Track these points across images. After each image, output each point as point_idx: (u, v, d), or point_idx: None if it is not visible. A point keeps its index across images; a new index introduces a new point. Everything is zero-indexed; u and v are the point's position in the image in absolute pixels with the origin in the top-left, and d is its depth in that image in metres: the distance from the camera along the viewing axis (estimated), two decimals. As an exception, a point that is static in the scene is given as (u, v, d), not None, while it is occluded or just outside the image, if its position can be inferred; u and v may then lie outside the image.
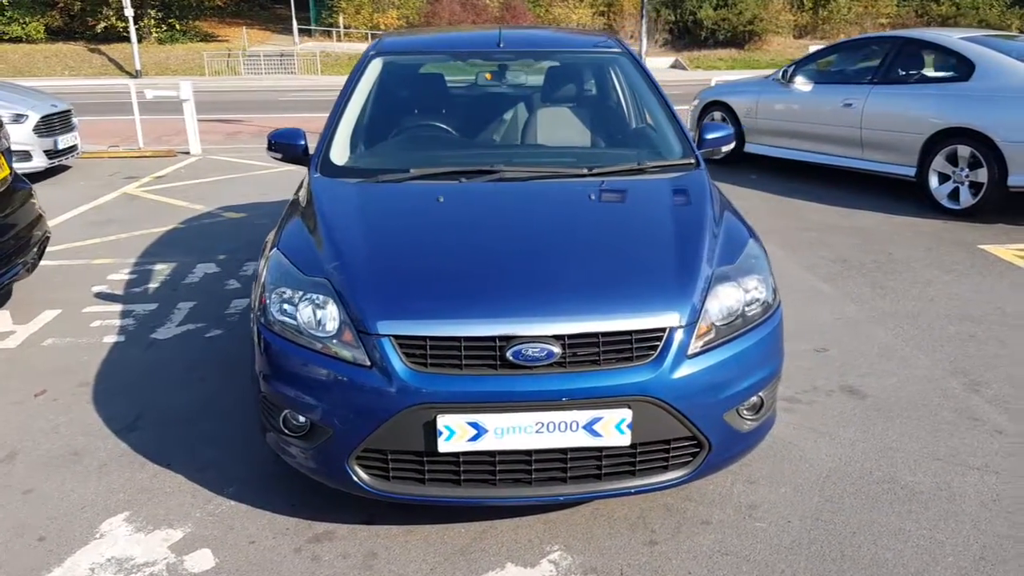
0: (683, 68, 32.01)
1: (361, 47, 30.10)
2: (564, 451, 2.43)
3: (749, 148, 8.87)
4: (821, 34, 34.10)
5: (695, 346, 2.45)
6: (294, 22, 34.91)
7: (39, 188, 8.45)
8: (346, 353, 2.42)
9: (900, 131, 7.05)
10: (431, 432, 2.36)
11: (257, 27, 37.13)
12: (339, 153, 3.44)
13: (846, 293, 5.04)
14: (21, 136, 8.24)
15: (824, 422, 3.43)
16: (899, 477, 3.02)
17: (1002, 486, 2.96)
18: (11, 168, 4.80)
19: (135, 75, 29.18)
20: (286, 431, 2.58)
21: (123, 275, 5.59)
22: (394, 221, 2.89)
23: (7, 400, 3.74)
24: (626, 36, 35.42)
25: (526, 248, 2.71)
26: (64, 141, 8.85)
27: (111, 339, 4.43)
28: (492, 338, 2.35)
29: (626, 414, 2.37)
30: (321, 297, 2.53)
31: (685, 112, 11.26)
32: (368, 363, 2.38)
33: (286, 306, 2.57)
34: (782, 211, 7.21)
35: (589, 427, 2.38)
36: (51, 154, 8.62)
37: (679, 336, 2.43)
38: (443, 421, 2.35)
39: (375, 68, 3.90)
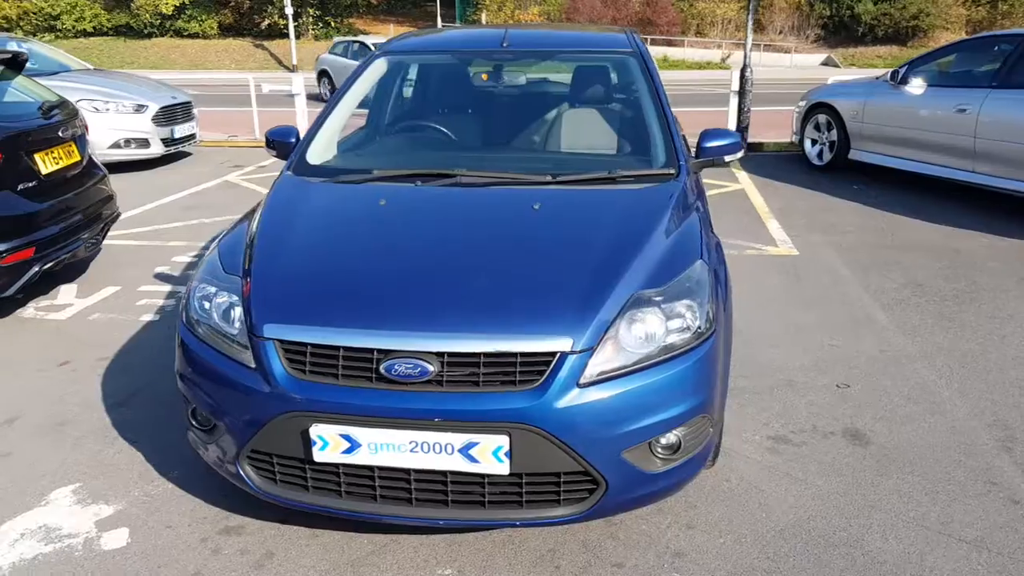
0: (835, 65, 30.15)
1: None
2: (444, 474, 2.33)
3: (854, 155, 8.20)
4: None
5: (591, 374, 2.27)
6: (438, 19, 35.84)
7: (157, 173, 9.19)
8: (241, 354, 2.43)
9: (1018, 141, 6.28)
10: (307, 440, 2.33)
11: (407, 24, 38.40)
12: (318, 152, 3.47)
13: (902, 323, 4.55)
14: (141, 125, 8.93)
15: (806, 468, 3.11)
16: (866, 542, 2.68)
17: (992, 568, 2.55)
18: (82, 154, 5.18)
19: (292, 69, 30.99)
20: (194, 423, 2.63)
21: (187, 258, 5.93)
22: (322, 224, 2.88)
23: (34, 367, 4.06)
24: (775, 32, 33.81)
25: (437, 259, 2.61)
26: (181, 130, 9.51)
27: (147, 318, 4.71)
28: (370, 350, 2.29)
29: (503, 441, 2.24)
30: (234, 297, 2.56)
31: (787, 115, 10.60)
32: (253, 365, 2.38)
33: (205, 303, 2.61)
34: (873, 227, 6.62)
35: (465, 451, 2.26)
36: (168, 142, 9.28)
37: (570, 362, 2.26)
38: (316, 431, 2.31)
39: (377, 68, 3.90)
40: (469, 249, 2.67)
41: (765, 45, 32.97)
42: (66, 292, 5.17)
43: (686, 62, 33.66)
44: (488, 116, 3.79)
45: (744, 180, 8.56)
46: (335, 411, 2.28)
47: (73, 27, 36.05)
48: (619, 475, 2.34)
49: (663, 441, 2.42)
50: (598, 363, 2.29)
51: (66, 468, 3.13)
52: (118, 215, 5.67)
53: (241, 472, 2.48)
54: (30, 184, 4.55)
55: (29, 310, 4.85)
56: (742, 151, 3.57)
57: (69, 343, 4.35)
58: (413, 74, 4.14)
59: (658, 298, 2.45)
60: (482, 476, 2.32)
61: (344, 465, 2.36)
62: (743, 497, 2.92)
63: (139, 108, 8.94)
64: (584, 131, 3.55)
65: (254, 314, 2.43)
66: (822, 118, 8.58)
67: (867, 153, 8.04)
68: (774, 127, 11.53)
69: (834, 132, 8.42)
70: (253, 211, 3.14)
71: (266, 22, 35.36)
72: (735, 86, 10.11)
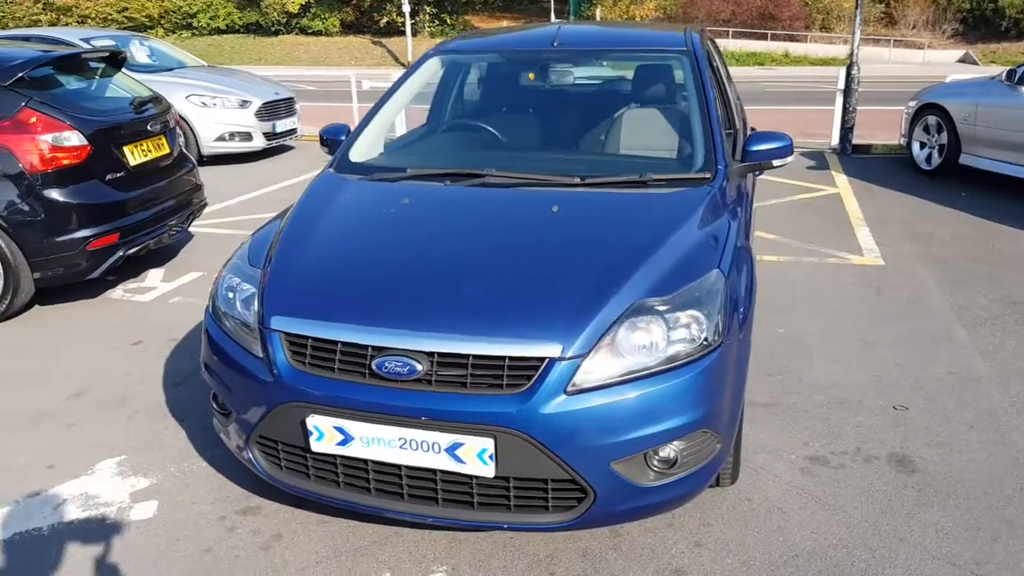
0: (974, 63, 28.16)
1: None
2: (434, 472, 2.35)
3: (965, 160, 7.66)
4: None
5: (581, 382, 2.24)
6: (552, 14, 35.81)
7: (258, 165, 9.64)
8: (253, 344, 2.53)
9: None
10: (304, 430, 2.40)
11: (522, 20, 38.59)
12: (362, 150, 3.55)
13: (983, 344, 4.22)
14: (244, 119, 9.39)
15: (838, 493, 2.94)
16: (885, 576, 2.52)
17: (1014, 610, 2.36)
18: (172, 147, 5.51)
19: (406, 66, 31.72)
20: (216, 408, 2.76)
21: (269, 247, 6.19)
22: (344, 221, 2.95)
23: (110, 345, 4.36)
24: (907, 27, 31.91)
25: (440, 259, 2.63)
26: (283, 125, 9.92)
27: (220, 303, 4.96)
28: (364, 346, 2.33)
29: (488, 444, 2.24)
30: (255, 288, 2.66)
31: (893, 116, 9.97)
32: (261, 355, 2.47)
33: (229, 294, 2.73)
34: (974, 238, 6.16)
35: (451, 451, 2.28)
36: (269, 136, 9.71)
37: (559, 369, 2.23)
38: (312, 421, 2.38)
39: (429, 68, 3.95)
40: (474, 250, 2.68)
41: (896, 41, 31.22)
42: (153, 276, 5.51)
43: (808, 58, 32.33)
44: (530, 116, 3.77)
45: (842, 184, 8.16)
46: (329, 403, 2.34)
47: (208, 24, 38.25)
48: (608, 486, 2.29)
49: (660, 454, 2.35)
50: (589, 371, 2.25)
51: (117, 441, 3.34)
52: (204, 205, 5.99)
53: (251, 456, 2.59)
54: (118, 175, 4.88)
55: (117, 291, 5.20)
56: (792, 156, 3.40)
57: (145, 324, 4.64)
58: (463, 74, 4.17)
59: (662, 307, 2.38)
60: (470, 477, 2.32)
61: (340, 456, 2.42)
62: (762, 519, 2.80)
63: (243, 103, 9.40)
64: (623, 132, 3.48)
65: (264, 306, 2.52)
66: (932, 120, 8.06)
67: (979, 158, 7.49)
68: (890, 127, 10.91)
69: (944, 135, 7.89)
70: (290, 207, 3.26)
71: (384, 20, 36.38)
72: (841, 84, 9.63)
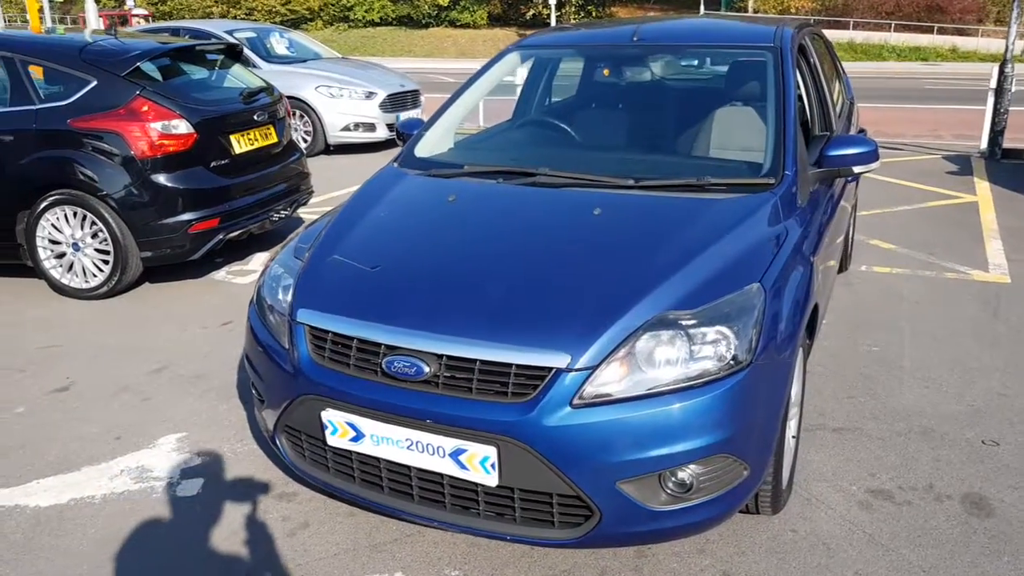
0: None
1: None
2: (441, 476, 2.32)
3: None
4: None
5: (589, 395, 2.14)
6: (702, 7, 34.79)
7: (382, 155, 9.92)
8: (283, 336, 2.58)
9: None
10: (321, 424, 2.42)
11: (670, 12, 37.76)
12: (429, 145, 3.55)
13: (1112, 378, 3.74)
14: (369, 111, 9.68)
15: (896, 532, 2.68)
16: (934, 629, 2.27)
17: None
18: (280, 137, 5.75)
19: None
20: (254, 392, 2.85)
21: (367, 236, 6.36)
22: (386, 216, 2.94)
23: (202, 324, 4.60)
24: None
25: (466, 260, 2.58)
26: (407, 116, 10.16)
27: (309, 289, 5.13)
28: (378, 344, 2.33)
29: (491, 452, 2.18)
30: (292, 280, 2.72)
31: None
32: (287, 346, 2.52)
33: (273, 284, 2.80)
34: None
35: (455, 456, 2.24)
36: (392, 127, 9.97)
37: (566, 380, 2.14)
38: (327, 416, 2.40)
39: (508, 63, 3.90)
40: (502, 252, 2.61)
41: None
42: (258, 259, 5.78)
43: (978, 53, 29.90)
44: (599, 113, 3.65)
45: (983, 191, 7.46)
46: (343, 399, 2.35)
47: (363, 17, 39.88)
48: (614, 506, 2.18)
49: (675, 477, 2.21)
50: (599, 384, 2.15)
51: (183, 417, 3.52)
52: (311, 192, 6.21)
53: (279, 444, 2.65)
54: (222, 162, 5.14)
55: (221, 273, 5.49)
56: (877, 162, 3.12)
57: (239, 305, 4.87)
58: (543, 69, 4.08)
59: (688, 320, 2.23)
60: (475, 484, 2.27)
61: (355, 452, 2.43)
62: (804, 553, 2.59)
63: (369, 95, 9.70)
64: (690, 132, 3.30)
65: (295, 298, 2.57)
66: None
67: None
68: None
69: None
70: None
71: (531, 12, 36.70)
72: (993, 82, 8.80)
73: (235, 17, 37.98)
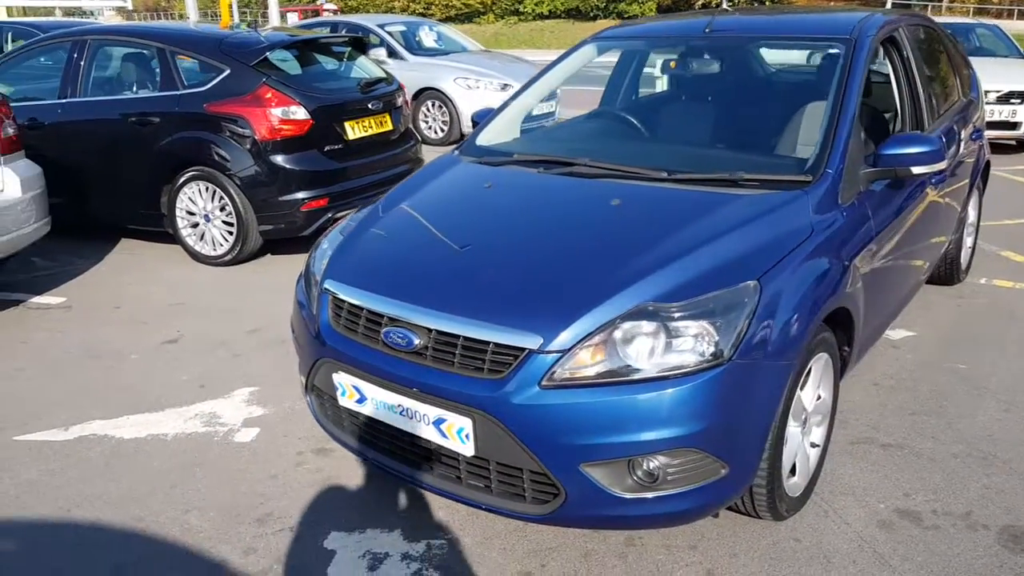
0: None
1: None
2: (427, 442, 2.47)
3: None
4: None
5: (558, 377, 2.21)
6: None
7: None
8: (314, 302, 2.83)
9: None
10: (333, 385, 2.64)
11: (855, 2, 35.47)
12: (493, 134, 3.68)
13: None
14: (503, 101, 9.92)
15: (910, 557, 2.53)
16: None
17: None
18: (395, 125, 6.10)
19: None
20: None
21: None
22: (427, 198, 3.10)
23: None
24: None
25: (476, 243, 2.68)
26: (539, 109, 10.33)
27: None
28: (381, 315, 2.51)
29: (466, 423, 2.31)
30: (330, 253, 2.96)
31: None
32: (315, 313, 2.76)
33: (317, 255, 3.05)
34: None
35: (437, 425, 2.38)
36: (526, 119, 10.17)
37: (536, 361, 2.22)
38: (338, 378, 2.61)
39: (583, 54, 3.95)
40: (511, 238, 2.70)
41: None
42: (370, 238, 6.17)
43: None
44: (660, 105, 3.63)
45: None
46: (351, 364, 2.56)
47: (533, 10, 40.52)
48: (578, 487, 2.24)
49: (643, 466, 2.24)
50: (570, 367, 2.21)
51: (260, 373, 3.89)
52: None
53: (309, 401, 2.90)
54: (336, 147, 5.53)
55: (334, 249, 5.91)
56: (941, 163, 2.92)
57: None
58: (622, 62, 4.10)
59: (669, 312, 2.24)
60: (455, 453, 2.40)
61: (361, 414, 2.62)
62: (800, 564, 2.51)
63: (504, 86, 9.95)
64: (744, 125, 3.23)
65: (326, 269, 2.80)
66: None
67: None
68: None
69: None
70: (409, 184, 3.51)
71: (699, 3, 35.89)
72: None
73: (414, 12, 39.78)
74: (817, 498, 2.83)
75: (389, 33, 10.67)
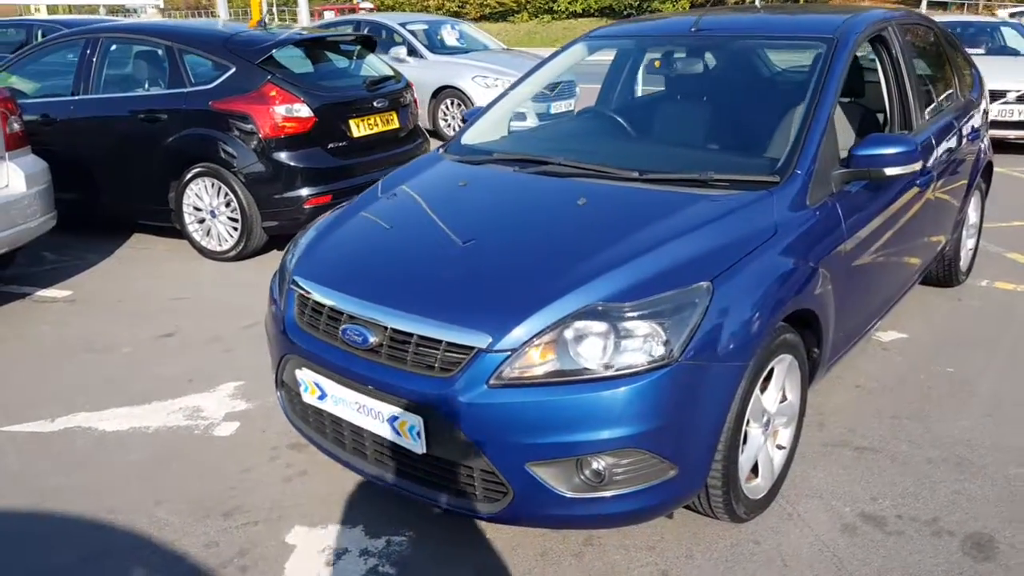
0: None
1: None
2: (384, 439, 2.49)
3: None
4: None
5: (506, 376, 2.22)
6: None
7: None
8: (283, 298, 2.87)
9: None
10: (296, 381, 2.69)
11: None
12: (478, 133, 3.69)
13: None
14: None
15: (869, 562, 2.51)
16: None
17: None
18: (402, 123, 6.14)
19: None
20: (272, 351, 3.16)
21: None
22: (401, 196, 3.13)
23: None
24: None
25: (439, 243, 2.70)
26: (556, 107, 10.23)
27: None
28: (341, 312, 2.54)
29: (417, 421, 2.33)
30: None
31: None
32: (283, 308, 2.81)
33: (292, 250, 3.09)
34: None
35: (391, 422, 2.41)
36: (543, 117, 10.14)
37: (484, 360, 2.24)
38: (300, 375, 2.66)
39: (573, 53, 3.95)
40: (473, 237, 2.71)
41: None
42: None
43: None
44: (642, 105, 3.62)
45: None
46: (312, 360, 2.60)
47: (566, 8, 40.43)
48: (524, 486, 2.26)
49: (589, 466, 2.25)
50: (518, 367, 2.23)
51: (249, 369, 3.95)
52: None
53: (279, 396, 2.95)
54: (340, 144, 5.59)
55: (338, 245, 5.98)
56: (915, 164, 2.88)
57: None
58: (621, 61, 4.09)
59: (619, 312, 2.25)
60: (409, 450, 2.43)
61: (324, 410, 2.66)
62: (755, 567, 2.50)
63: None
64: (722, 125, 3.21)
65: (295, 265, 2.85)
66: None
67: None
68: None
69: None
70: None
71: (733, 0, 35.56)
72: None
73: (449, 10, 39.93)
74: (783, 500, 2.81)
75: (410, 32, 10.73)
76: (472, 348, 2.26)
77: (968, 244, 4.84)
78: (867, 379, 3.69)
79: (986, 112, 4.77)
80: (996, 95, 8.17)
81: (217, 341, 4.29)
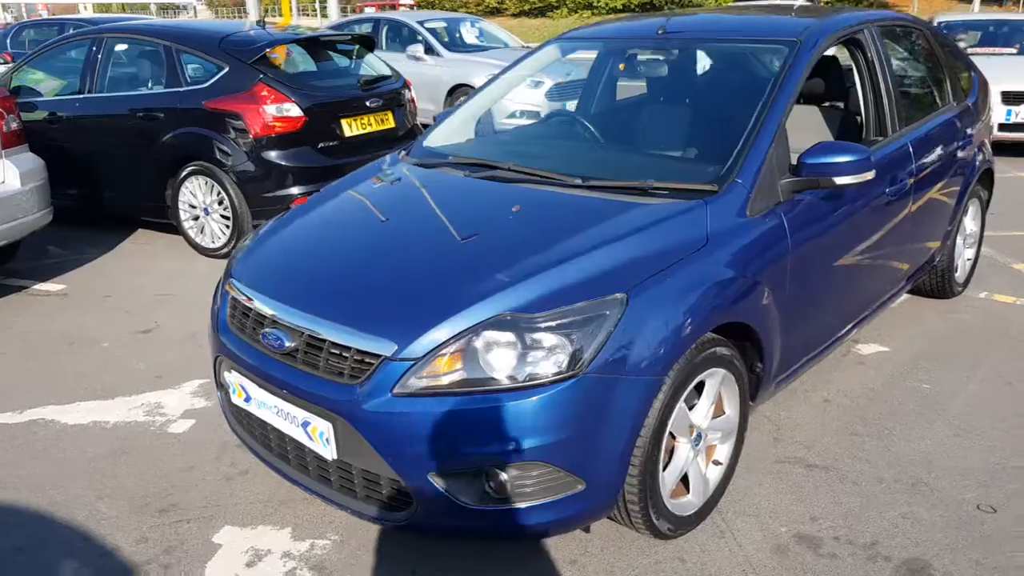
0: None
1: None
2: (302, 444, 2.49)
3: None
4: None
5: (411, 386, 2.19)
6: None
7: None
8: (218, 300, 2.89)
9: None
10: (227, 383, 2.70)
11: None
12: (441, 135, 3.67)
13: None
14: (534, 99, 9.83)
15: (797, 582, 2.43)
16: None
17: None
18: (398, 123, 6.15)
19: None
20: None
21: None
22: (343, 200, 3.12)
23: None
24: None
25: (365, 248, 2.70)
26: (573, 105, 10.26)
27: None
28: (263, 316, 2.54)
29: (327, 427, 2.32)
30: None
31: None
32: (218, 309, 2.82)
33: (237, 252, 3.11)
34: None
35: (304, 427, 2.40)
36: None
37: (389, 368, 2.22)
38: (228, 376, 2.67)
39: (545, 55, 3.90)
40: (400, 244, 2.69)
41: None
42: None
43: None
44: (601, 109, 3.55)
45: None
46: (238, 362, 2.60)
47: (606, 5, 40.19)
48: (428, 497, 2.23)
49: (493, 478, 2.22)
50: (423, 376, 2.20)
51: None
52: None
53: (219, 396, 2.97)
54: (331, 143, 5.62)
55: (332, 244, 6.01)
56: (868, 173, 2.78)
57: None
58: (599, 64, 4.03)
59: (528, 323, 2.21)
60: (324, 457, 2.42)
61: (249, 411, 2.66)
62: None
63: (536, 83, 9.90)
64: (676, 131, 3.14)
65: (233, 266, 2.86)
66: None
67: None
68: None
69: None
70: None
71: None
72: None
73: (487, 7, 40.00)
74: (718, 517, 2.74)
75: (428, 29, 10.75)
76: (379, 356, 2.24)
77: (966, 254, 4.68)
78: (836, 393, 3.59)
79: (987, 117, 4.59)
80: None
81: (192, 338, 4.34)
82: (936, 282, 4.44)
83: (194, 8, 61.51)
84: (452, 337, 2.21)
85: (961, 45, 9.40)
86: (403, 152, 3.63)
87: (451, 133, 3.72)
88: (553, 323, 2.21)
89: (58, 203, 6.11)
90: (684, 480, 2.62)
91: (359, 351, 2.28)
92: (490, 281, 2.34)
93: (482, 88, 3.91)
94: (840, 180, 2.77)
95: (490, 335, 2.21)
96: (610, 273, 2.35)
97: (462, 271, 2.44)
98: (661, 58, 3.57)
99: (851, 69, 3.60)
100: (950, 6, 33.14)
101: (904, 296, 4.59)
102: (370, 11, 28.39)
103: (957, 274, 4.57)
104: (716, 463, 2.73)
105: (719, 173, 2.74)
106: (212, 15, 58.72)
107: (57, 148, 5.91)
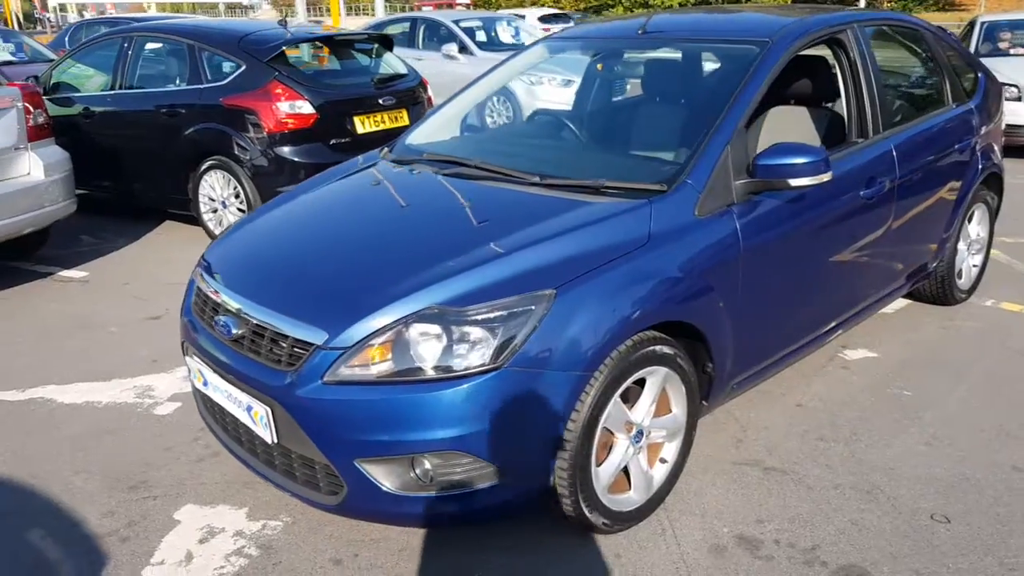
0: None
1: None
2: (248, 427, 2.59)
3: None
4: None
5: (341, 374, 2.28)
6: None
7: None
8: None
9: None
10: (189, 368, 2.83)
11: None
12: (424, 134, 3.74)
13: None
14: (564, 97, 9.87)
15: (727, 582, 2.44)
16: None
17: None
18: (413, 120, 6.25)
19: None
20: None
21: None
22: (313, 194, 3.22)
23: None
24: None
25: (321, 240, 2.79)
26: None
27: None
28: (218, 304, 2.66)
29: (266, 412, 2.42)
30: None
31: None
32: (187, 295, 2.96)
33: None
34: None
35: (248, 411, 2.51)
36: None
37: (320, 356, 2.30)
38: (190, 361, 2.79)
39: (533, 54, 3.95)
40: (350, 236, 2.78)
41: None
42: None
43: None
44: (579, 108, 3.57)
45: None
46: (196, 347, 2.73)
47: (662, 3, 39.88)
48: (355, 482, 2.31)
49: (417, 466, 2.29)
50: (352, 364, 2.28)
51: (214, 353, 4.14)
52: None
53: (191, 381, 3.10)
54: (343, 140, 5.76)
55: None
56: (825, 175, 2.75)
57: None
58: (563, 63, 4.06)
59: (456, 316, 2.27)
60: (266, 440, 2.51)
61: (207, 395, 2.78)
62: (607, 579, 2.47)
63: (567, 83, 9.91)
64: (637, 130, 3.16)
65: (205, 253, 2.99)
66: None
67: None
68: None
69: None
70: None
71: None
72: None
73: (543, 5, 40.04)
74: (663, 515, 2.76)
75: (464, 29, 10.87)
76: (311, 344, 2.33)
77: (973, 260, 4.56)
78: (812, 398, 3.55)
79: (997, 119, 4.46)
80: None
81: (195, 325, 4.51)
82: (936, 288, 4.33)
83: (260, 6, 63.04)
84: (383, 328, 2.29)
85: (1002, 46, 9.11)
86: (385, 149, 3.72)
87: (436, 131, 3.80)
88: (480, 317, 2.26)
89: (96, 195, 6.42)
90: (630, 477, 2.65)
91: (295, 339, 2.37)
92: (428, 274, 2.40)
93: (468, 86, 3.97)
94: (795, 182, 2.75)
95: (419, 327, 2.27)
96: (543, 269, 2.39)
97: (400, 265, 2.51)
98: (638, 58, 3.58)
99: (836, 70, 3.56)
100: (1021, 6, 31.88)
101: (903, 302, 4.51)
102: (427, 9, 28.78)
103: (961, 281, 4.46)
104: (662, 461, 2.75)
105: (670, 173, 2.75)
106: (276, 14, 60.22)
107: (91, 142, 6.21)
